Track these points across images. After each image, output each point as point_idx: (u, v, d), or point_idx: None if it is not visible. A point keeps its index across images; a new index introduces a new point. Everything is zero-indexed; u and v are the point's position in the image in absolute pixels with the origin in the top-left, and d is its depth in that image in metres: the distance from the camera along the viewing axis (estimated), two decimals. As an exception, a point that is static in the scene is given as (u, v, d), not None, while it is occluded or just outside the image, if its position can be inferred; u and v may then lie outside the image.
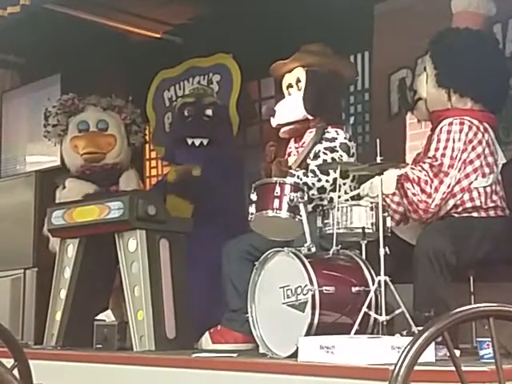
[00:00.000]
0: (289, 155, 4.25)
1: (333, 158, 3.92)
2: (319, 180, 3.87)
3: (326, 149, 3.96)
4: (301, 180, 3.79)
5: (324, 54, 4.35)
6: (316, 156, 3.97)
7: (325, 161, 3.91)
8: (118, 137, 5.23)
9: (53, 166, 5.65)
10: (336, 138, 3.99)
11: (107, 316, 4.24)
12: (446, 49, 3.73)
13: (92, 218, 4.25)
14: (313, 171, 3.89)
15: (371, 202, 3.41)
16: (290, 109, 4.25)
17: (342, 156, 3.94)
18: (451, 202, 3.54)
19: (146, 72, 5.81)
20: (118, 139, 5.22)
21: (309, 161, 3.98)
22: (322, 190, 3.87)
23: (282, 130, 4.30)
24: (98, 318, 4.22)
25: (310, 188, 3.79)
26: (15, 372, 2.32)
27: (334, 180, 3.71)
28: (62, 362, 3.95)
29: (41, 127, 5.39)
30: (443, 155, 3.54)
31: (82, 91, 5.33)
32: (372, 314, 3.19)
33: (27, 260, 5.12)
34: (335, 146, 3.96)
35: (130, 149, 5.33)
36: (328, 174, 3.85)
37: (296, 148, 4.22)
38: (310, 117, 4.18)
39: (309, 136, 4.15)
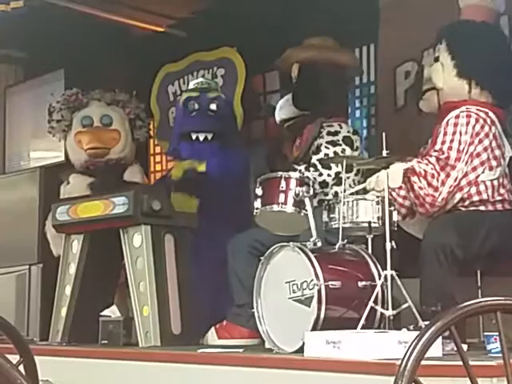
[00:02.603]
0: (295, 150, 4.23)
1: (335, 152, 3.90)
2: (320, 174, 3.85)
3: (327, 143, 3.95)
4: (302, 174, 3.77)
5: (319, 47, 4.28)
6: (317, 150, 3.95)
7: (326, 155, 3.89)
8: (122, 132, 5.22)
9: (57, 161, 5.65)
10: (339, 132, 3.97)
11: (112, 312, 4.23)
12: (465, 39, 3.68)
13: (96, 213, 4.25)
14: (314, 165, 3.87)
15: (377, 196, 3.39)
16: (285, 105, 4.25)
17: (344, 150, 3.92)
18: (458, 196, 3.52)
19: (150, 66, 5.79)
20: (122, 134, 5.21)
21: (311, 155, 3.97)
22: (323, 184, 3.86)
23: (285, 126, 4.29)
24: (103, 313, 4.22)
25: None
26: (21, 368, 2.31)
27: (337, 174, 3.69)
28: (68, 357, 3.95)
29: (45, 123, 5.39)
30: (450, 148, 3.51)
31: (85, 86, 5.32)
32: (378, 308, 3.18)
33: (32, 256, 5.12)
34: (338, 140, 3.94)
35: (134, 144, 5.32)
36: (330, 168, 3.83)
37: (299, 143, 4.21)
38: (305, 112, 4.14)
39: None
